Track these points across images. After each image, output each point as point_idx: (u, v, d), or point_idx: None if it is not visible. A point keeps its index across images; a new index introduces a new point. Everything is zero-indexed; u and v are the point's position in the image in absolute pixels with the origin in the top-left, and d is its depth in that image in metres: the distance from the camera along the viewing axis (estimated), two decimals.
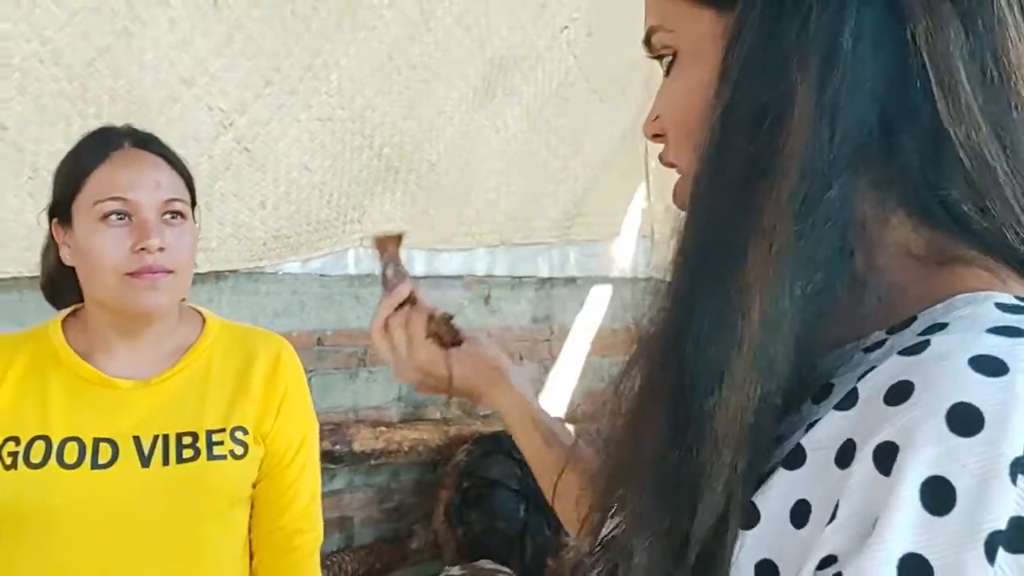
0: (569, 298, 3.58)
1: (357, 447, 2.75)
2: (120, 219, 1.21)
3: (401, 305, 0.97)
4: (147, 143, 1.29)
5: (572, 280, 3.57)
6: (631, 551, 0.51)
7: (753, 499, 0.48)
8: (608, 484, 0.58)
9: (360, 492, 2.92)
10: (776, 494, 0.47)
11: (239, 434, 1.29)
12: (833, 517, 0.43)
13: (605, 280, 3.66)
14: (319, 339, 2.82)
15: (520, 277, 3.38)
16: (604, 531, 0.58)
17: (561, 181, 3.38)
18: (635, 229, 3.73)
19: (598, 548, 0.58)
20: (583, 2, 3.23)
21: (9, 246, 2.10)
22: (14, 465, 1.20)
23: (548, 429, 0.91)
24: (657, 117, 0.61)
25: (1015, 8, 0.49)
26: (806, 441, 0.47)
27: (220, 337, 1.36)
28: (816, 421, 0.47)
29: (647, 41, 0.59)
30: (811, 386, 0.49)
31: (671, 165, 0.61)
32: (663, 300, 0.53)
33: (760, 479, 0.48)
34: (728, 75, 0.51)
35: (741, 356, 0.47)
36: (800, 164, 0.47)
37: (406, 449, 2.88)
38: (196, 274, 2.46)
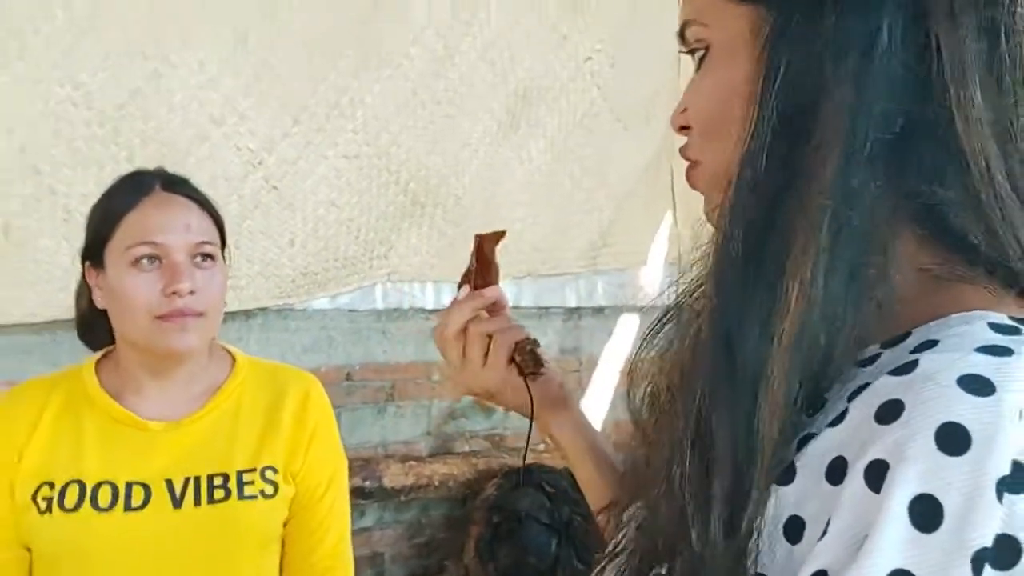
0: (597, 328, 3.56)
1: (387, 482, 2.75)
2: (151, 263, 1.22)
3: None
4: (177, 186, 1.30)
5: (600, 310, 3.56)
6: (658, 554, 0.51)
7: None
8: (632, 488, 0.59)
9: (390, 528, 2.91)
10: (770, 510, 0.48)
11: (269, 473, 1.29)
12: (824, 533, 0.44)
13: (633, 309, 3.64)
14: (348, 374, 2.83)
15: (547, 308, 3.37)
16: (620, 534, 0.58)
17: (587, 211, 3.38)
18: (662, 256, 3.72)
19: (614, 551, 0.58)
20: (605, 33, 3.25)
21: (43, 288, 2.13)
22: (49, 509, 1.20)
23: (608, 461, 0.87)
24: (685, 109, 0.61)
25: None
26: (797, 458, 0.48)
27: (249, 376, 1.36)
28: (808, 436, 0.48)
29: (681, 34, 0.59)
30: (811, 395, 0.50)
31: (692, 160, 0.61)
32: (703, 301, 0.53)
33: None
34: (767, 72, 0.51)
35: (779, 353, 0.48)
36: (835, 161, 0.48)
37: (436, 484, 2.87)
38: (225, 313, 2.49)
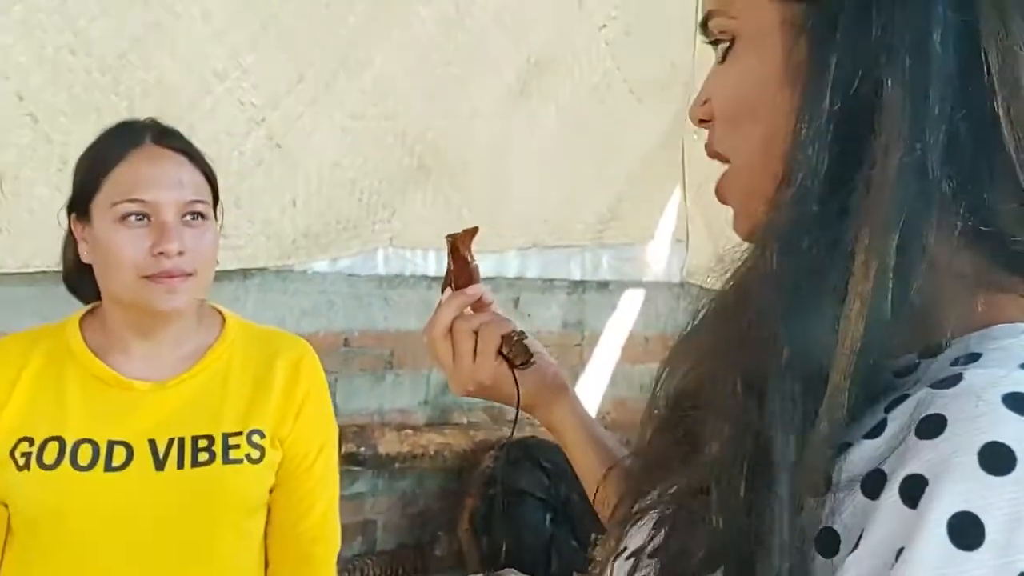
0: (601, 303, 3.52)
1: (382, 450, 2.71)
2: (139, 220, 1.17)
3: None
4: (169, 138, 1.24)
5: (604, 284, 3.51)
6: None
7: None
8: (647, 480, 0.58)
9: (383, 497, 2.88)
10: (804, 520, 0.47)
11: (256, 438, 1.25)
12: (855, 546, 0.43)
13: (638, 284, 3.60)
14: (346, 340, 2.79)
15: (551, 280, 3.32)
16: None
17: (596, 183, 3.32)
18: (670, 232, 3.67)
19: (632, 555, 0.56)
20: (621, 1, 3.18)
21: (36, 238, 2.08)
22: (27, 466, 1.17)
23: (604, 447, 0.88)
24: (706, 101, 0.60)
25: None
26: (833, 470, 0.46)
27: (240, 338, 1.32)
28: (844, 445, 0.46)
29: (703, 25, 0.59)
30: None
31: (717, 155, 0.60)
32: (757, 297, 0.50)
33: None
34: (813, 67, 0.50)
35: (842, 358, 0.46)
36: (895, 166, 0.46)
37: (431, 454, 2.84)
38: (223, 271, 2.45)
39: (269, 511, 1.30)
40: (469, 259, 0.92)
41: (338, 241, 2.67)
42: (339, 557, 1.37)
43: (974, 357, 0.45)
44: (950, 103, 0.47)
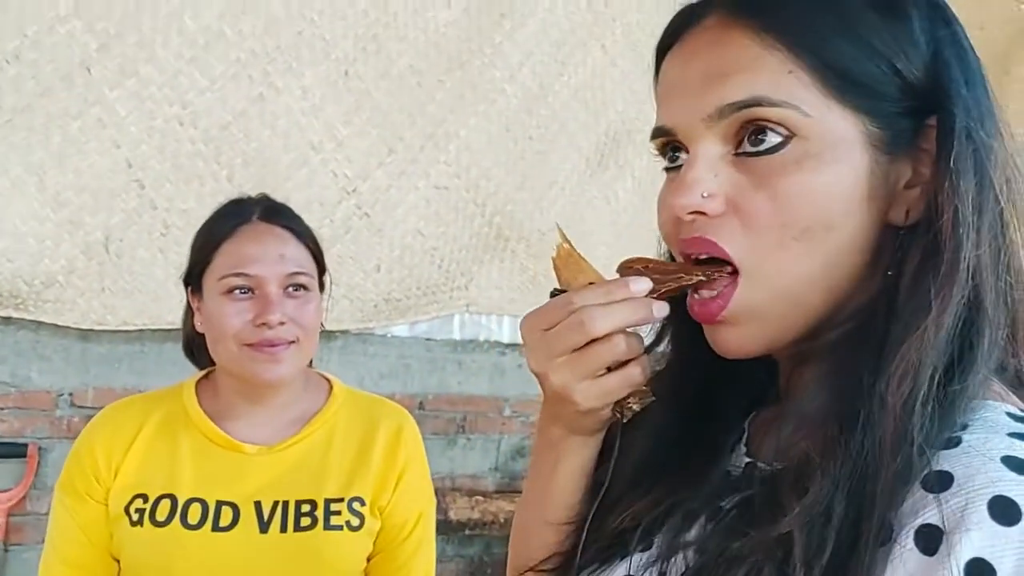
0: None
1: (452, 516, 2.73)
2: (243, 293, 1.23)
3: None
4: (276, 216, 1.30)
5: None
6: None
7: None
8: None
9: (452, 563, 2.88)
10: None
11: (356, 505, 1.28)
12: None
13: None
14: (421, 403, 2.83)
15: None
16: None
17: None
18: None
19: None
20: None
21: (137, 299, 2.18)
22: (140, 522, 1.22)
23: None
24: (708, 195, 0.56)
25: None
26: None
27: (344, 406, 1.36)
28: None
29: (740, 106, 0.55)
30: None
31: (718, 256, 0.57)
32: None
33: None
34: (952, 182, 0.53)
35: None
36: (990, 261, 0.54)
37: (501, 521, 2.84)
38: None
39: None
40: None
41: (416, 306, 2.73)
42: None
43: (965, 425, 0.51)
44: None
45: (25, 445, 2.24)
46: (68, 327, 2.22)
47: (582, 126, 2.96)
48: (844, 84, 0.54)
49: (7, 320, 2.19)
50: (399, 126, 2.53)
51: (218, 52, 2.25)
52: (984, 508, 0.45)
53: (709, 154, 0.57)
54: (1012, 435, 0.49)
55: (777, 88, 0.54)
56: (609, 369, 0.63)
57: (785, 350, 0.60)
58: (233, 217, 1.29)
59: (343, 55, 2.40)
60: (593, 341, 0.61)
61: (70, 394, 2.29)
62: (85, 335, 2.26)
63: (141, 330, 2.25)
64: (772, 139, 0.54)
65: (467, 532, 2.80)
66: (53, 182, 2.12)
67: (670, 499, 0.61)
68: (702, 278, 0.59)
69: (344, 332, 2.63)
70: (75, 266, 2.17)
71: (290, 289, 1.25)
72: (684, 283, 0.61)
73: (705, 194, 0.56)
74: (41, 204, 2.12)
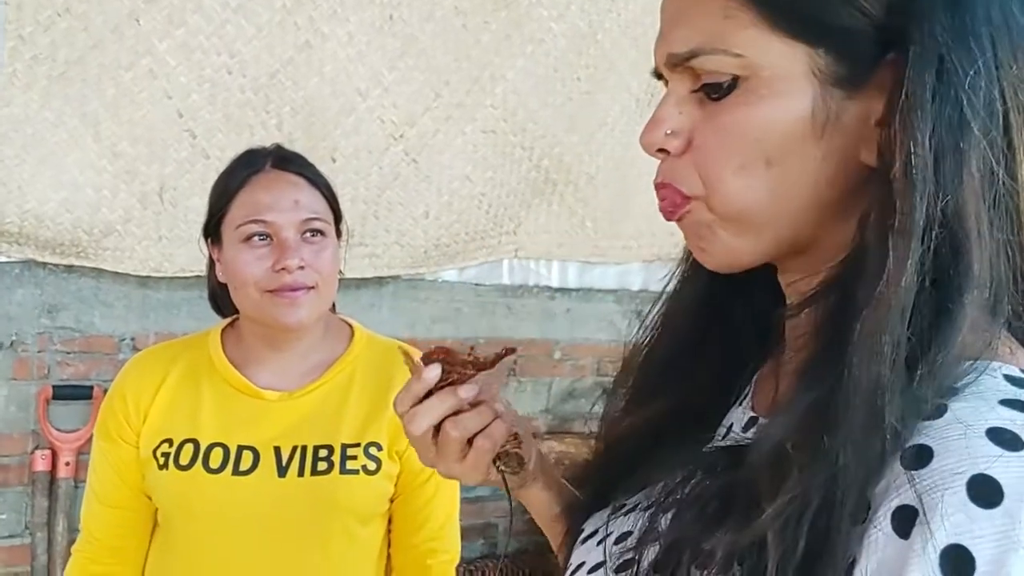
0: None
1: None
2: (261, 240, 1.25)
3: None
4: (288, 163, 1.31)
5: None
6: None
7: None
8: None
9: (504, 501, 2.93)
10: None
11: (373, 450, 1.30)
12: (849, 573, 0.44)
13: None
14: (472, 347, 2.85)
15: None
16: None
17: None
18: None
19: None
20: None
21: (193, 246, 2.23)
22: (166, 465, 1.27)
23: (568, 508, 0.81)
24: (671, 132, 0.57)
25: None
26: None
27: (365, 352, 1.38)
28: None
29: (681, 61, 0.56)
30: None
31: (678, 192, 0.58)
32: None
33: None
34: (905, 123, 0.49)
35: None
36: (972, 210, 0.48)
37: (552, 461, 2.88)
38: (360, 279, 2.57)
39: (392, 520, 1.35)
40: (498, 370, 0.79)
41: (465, 251, 2.75)
42: (460, 559, 1.40)
43: (955, 391, 0.47)
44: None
45: (91, 388, 2.32)
46: (128, 274, 2.29)
47: (632, 65, 2.91)
48: (790, 19, 0.52)
49: (70, 268, 2.26)
50: (445, 70, 2.51)
51: (263, 0, 2.25)
52: (963, 489, 0.42)
53: (678, 92, 0.58)
54: (1005, 402, 0.45)
55: (712, 37, 0.54)
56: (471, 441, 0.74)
57: (784, 279, 0.61)
58: (246, 167, 1.30)
59: None
60: (437, 432, 0.74)
61: (132, 338, 2.36)
62: (144, 282, 2.32)
63: (199, 276, 2.29)
64: (719, 83, 0.55)
65: None
66: (108, 133, 2.16)
67: (661, 460, 0.62)
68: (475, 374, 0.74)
69: (395, 278, 2.66)
70: (132, 215, 2.22)
71: (307, 235, 1.26)
72: (469, 374, 0.75)
73: (668, 131, 0.57)
74: (98, 155, 2.17)
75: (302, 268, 1.23)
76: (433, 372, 0.74)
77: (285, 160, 1.31)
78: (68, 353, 2.31)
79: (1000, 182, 0.49)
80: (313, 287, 1.26)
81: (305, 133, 2.27)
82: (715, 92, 0.55)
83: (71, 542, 1.42)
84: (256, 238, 1.24)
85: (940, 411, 0.45)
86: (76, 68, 2.11)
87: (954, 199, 0.48)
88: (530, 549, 2.96)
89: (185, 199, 2.26)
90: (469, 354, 0.78)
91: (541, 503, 0.85)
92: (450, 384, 0.75)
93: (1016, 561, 0.40)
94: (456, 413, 0.75)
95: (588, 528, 0.70)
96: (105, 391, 2.36)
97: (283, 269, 1.23)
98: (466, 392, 0.74)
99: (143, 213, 2.23)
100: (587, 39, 2.79)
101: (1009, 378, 0.47)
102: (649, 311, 0.70)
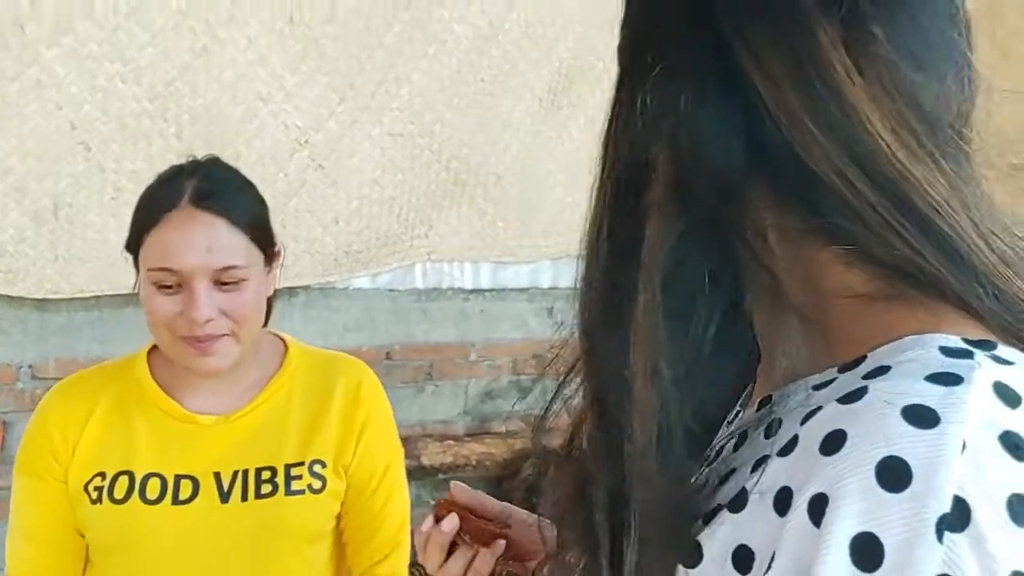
0: None
1: (425, 461, 2.76)
2: (169, 288, 1.16)
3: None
4: (208, 198, 1.18)
5: None
6: None
7: (699, 538, 0.49)
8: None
9: (426, 508, 2.91)
10: (720, 536, 0.48)
11: (317, 467, 1.26)
12: (770, 567, 0.44)
13: None
14: (388, 354, 2.83)
15: None
16: None
17: None
18: None
19: None
20: None
21: (92, 264, 2.14)
22: (99, 500, 1.21)
23: None
24: None
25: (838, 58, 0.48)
26: (749, 484, 0.47)
27: (301, 366, 1.32)
28: (763, 459, 0.47)
29: None
30: (762, 420, 0.50)
31: None
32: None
33: (706, 517, 0.49)
34: (604, 148, 0.54)
35: (635, 398, 0.50)
36: (659, 219, 0.50)
37: (473, 463, 2.88)
38: None
39: (343, 533, 1.32)
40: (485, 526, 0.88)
41: (378, 257, 2.72)
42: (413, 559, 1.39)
43: (884, 370, 0.45)
44: (734, 147, 0.49)
45: None
46: (23, 298, 2.17)
47: (533, 65, 2.93)
48: None
49: None
50: (348, 72, 2.48)
51: (157, 4, 2.18)
52: (872, 473, 0.40)
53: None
54: (931, 378, 0.42)
55: None
56: None
57: None
58: (163, 199, 1.19)
59: (286, 1, 2.34)
60: None
61: (30, 366, 2.25)
62: (41, 305, 2.21)
63: (99, 296, 2.21)
64: None
65: (441, 476, 2.83)
66: None
67: None
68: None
69: (306, 287, 2.61)
70: (25, 235, 2.12)
71: (221, 284, 1.17)
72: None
73: None
74: None
75: (211, 320, 1.16)
76: (452, 523, 0.85)
77: (204, 194, 1.19)
78: None
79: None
80: (227, 335, 1.19)
81: (206, 141, 2.19)
82: None
83: None
84: (163, 286, 1.16)
85: (860, 393, 0.43)
86: None
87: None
88: None
89: (82, 215, 2.16)
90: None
91: None
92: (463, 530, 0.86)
93: (924, 547, 0.39)
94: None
95: None
96: (5, 423, 2.26)
97: (192, 320, 1.15)
98: (497, 550, 0.86)
99: (37, 232, 2.13)
100: (489, 40, 2.79)
101: (944, 349, 0.44)
102: None
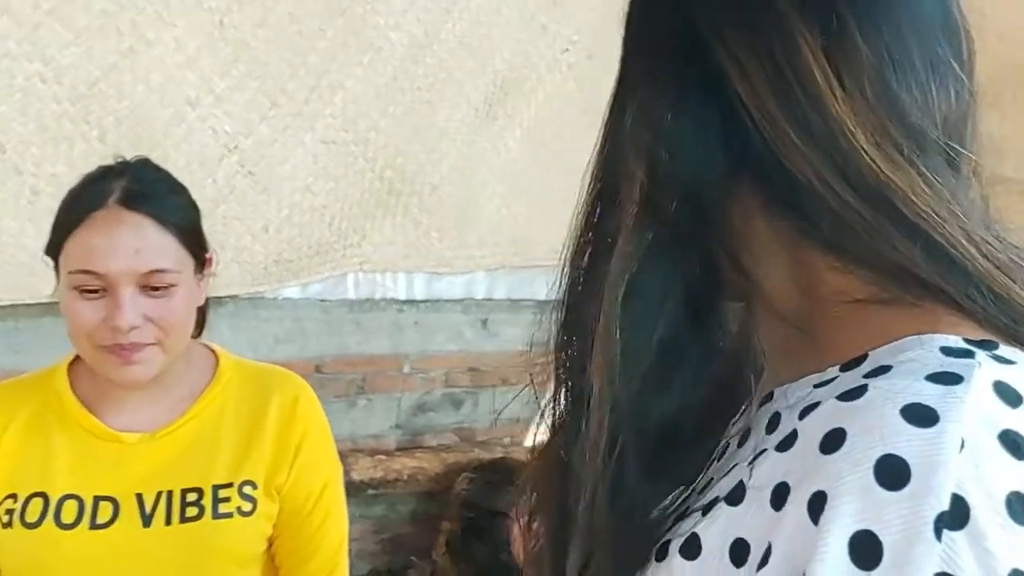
0: None
1: (355, 476, 2.70)
2: (93, 293, 1.10)
3: None
4: (137, 199, 1.12)
5: None
6: None
7: (696, 530, 0.49)
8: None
9: (356, 524, 2.85)
10: (717, 529, 0.48)
11: (248, 489, 1.19)
12: (764, 562, 0.44)
13: None
14: (318, 367, 2.77)
15: (519, 300, 3.34)
16: None
17: (561, 204, 3.32)
18: None
19: None
20: (584, 25, 3.22)
21: (7, 272, 2.04)
22: (10, 524, 1.13)
23: None
24: None
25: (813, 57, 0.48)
26: (747, 478, 0.47)
27: (233, 380, 1.26)
28: (761, 452, 0.47)
29: None
30: (763, 416, 0.50)
31: None
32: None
33: (705, 509, 0.50)
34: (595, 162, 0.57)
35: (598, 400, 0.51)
36: (631, 227, 0.51)
37: (404, 478, 2.84)
38: None
39: (276, 555, 1.26)
40: None
41: (309, 266, 2.66)
42: None
43: (884, 369, 0.45)
44: (712, 157, 0.50)
45: None
46: None
47: (469, 75, 2.91)
48: None
49: None
50: (280, 78, 2.42)
51: (81, 2, 2.09)
52: (870, 471, 0.40)
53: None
54: (931, 377, 0.43)
55: None
56: None
57: None
58: (88, 199, 1.13)
59: (216, 3, 2.27)
60: None
61: None
62: None
63: (14, 305, 2.11)
64: None
65: (371, 492, 2.78)
66: None
67: None
68: None
69: (233, 297, 2.53)
70: None
71: (148, 288, 1.12)
72: None
73: None
74: None
75: (136, 328, 1.09)
76: None
77: (135, 197, 1.13)
78: None
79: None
80: (152, 343, 1.12)
81: (131, 145, 2.10)
82: None
83: None
84: (87, 290, 1.09)
85: (860, 392, 0.44)
86: None
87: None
88: (382, 571, 2.90)
89: None
90: None
91: None
92: None
93: (922, 545, 0.39)
94: None
95: None
96: None
97: (115, 328, 1.09)
98: None
99: None
100: (424, 48, 2.77)
101: (945, 349, 0.45)
102: None
